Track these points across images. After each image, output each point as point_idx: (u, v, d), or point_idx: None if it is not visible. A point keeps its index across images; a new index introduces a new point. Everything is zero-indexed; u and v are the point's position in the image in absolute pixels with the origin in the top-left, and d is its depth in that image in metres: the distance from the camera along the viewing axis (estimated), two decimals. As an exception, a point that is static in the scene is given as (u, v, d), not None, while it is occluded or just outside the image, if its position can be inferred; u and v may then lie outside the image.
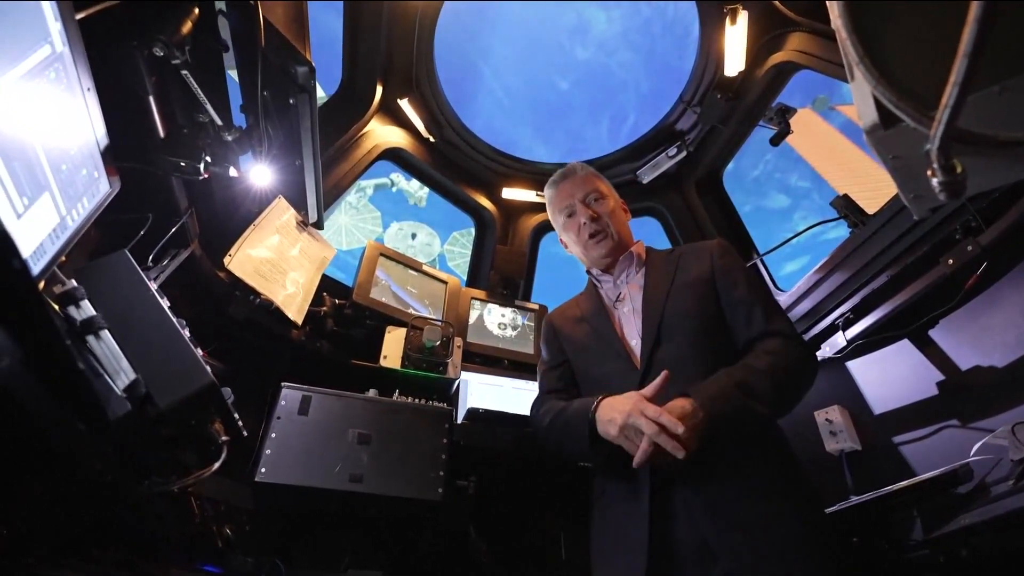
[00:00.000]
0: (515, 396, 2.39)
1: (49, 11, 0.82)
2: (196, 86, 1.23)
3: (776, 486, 1.20)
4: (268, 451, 1.50)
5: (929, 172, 0.65)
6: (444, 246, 23.76)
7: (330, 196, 2.59)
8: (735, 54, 2.51)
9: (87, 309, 0.97)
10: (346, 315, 2.30)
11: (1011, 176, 0.81)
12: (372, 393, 1.87)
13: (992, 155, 0.72)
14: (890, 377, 2.00)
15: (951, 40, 0.56)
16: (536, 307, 2.87)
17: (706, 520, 1.16)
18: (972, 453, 1.47)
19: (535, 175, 3.37)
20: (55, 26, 0.84)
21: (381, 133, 2.85)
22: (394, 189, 27.25)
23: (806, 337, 2.27)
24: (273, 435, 1.53)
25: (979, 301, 1.72)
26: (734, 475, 1.20)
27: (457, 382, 2.23)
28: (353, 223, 23.67)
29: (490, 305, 2.78)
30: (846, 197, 2.20)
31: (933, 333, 1.88)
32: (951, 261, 1.65)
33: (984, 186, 0.82)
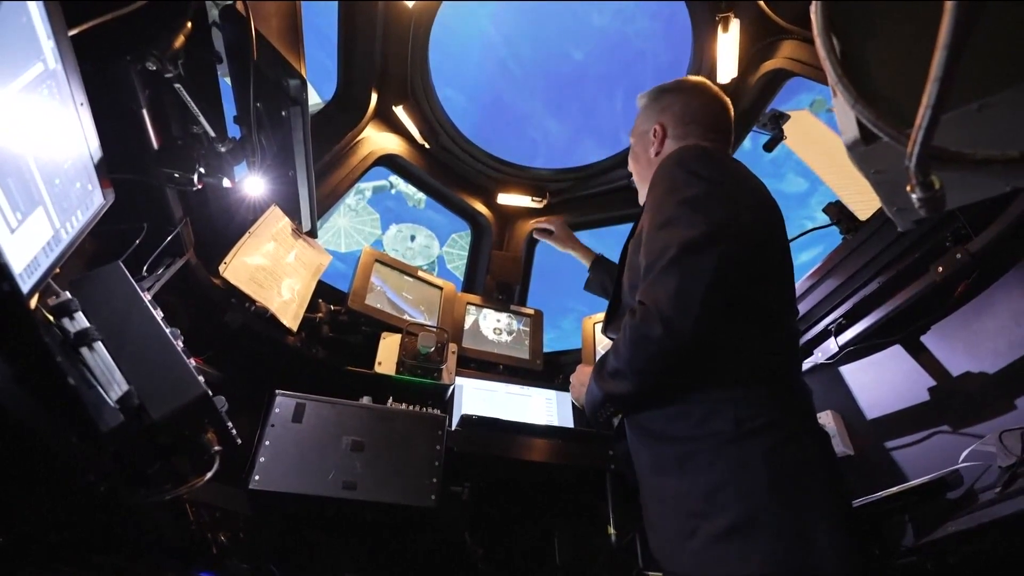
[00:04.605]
0: (509, 401, 2.40)
1: (41, 29, 0.83)
2: (189, 99, 1.24)
3: (664, 496, 1.07)
4: (262, 459, 1.52)
5: (908, 188, 0.67)
6: (443, 248, 23.77)
7: (326, 203, 2.60)
8: (728, 61, 2.53)
9: (81, 321, 0.99)
10: (341, 321, 2.31)
11: (990, 190, 0.82)
12: (366, 400, 1.88)
13: (970, 171, 0.73)
14: (883, 383, 2.01)
15: (931, 57, 0.57)
16: (532, 312, 2.88)
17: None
18: (961, 460, 1.48)
19: (530, 180, 3.38)
20: (48, 44, 0.85)
21: (377, 140, 2.86)
22: (393, 191, 27.28)
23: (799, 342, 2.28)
24: (267, 443, 1.54)
25: (971, 307, 1.74)
26: (649, 475, 1.13)
27: (452, 388, 2.24)
28: (352, 225, 23.66)
29: (485, 310, 2.80)
30: (839, 204, 2.22)
31: (925, 339, 1.89)
32: (941, 269, 1.66)
33: (964, 200, 0.83)
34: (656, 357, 1.01)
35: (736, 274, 1.00)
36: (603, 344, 2.72)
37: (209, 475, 1.11)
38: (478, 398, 2.35)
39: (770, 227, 1.17)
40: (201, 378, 1.07)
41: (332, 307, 2.33)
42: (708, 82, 1.47)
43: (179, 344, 1.09)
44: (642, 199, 1.51)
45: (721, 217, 1.03)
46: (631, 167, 1.56)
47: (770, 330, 1.11)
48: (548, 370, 2.78)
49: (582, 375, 1.32)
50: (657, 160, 1.40)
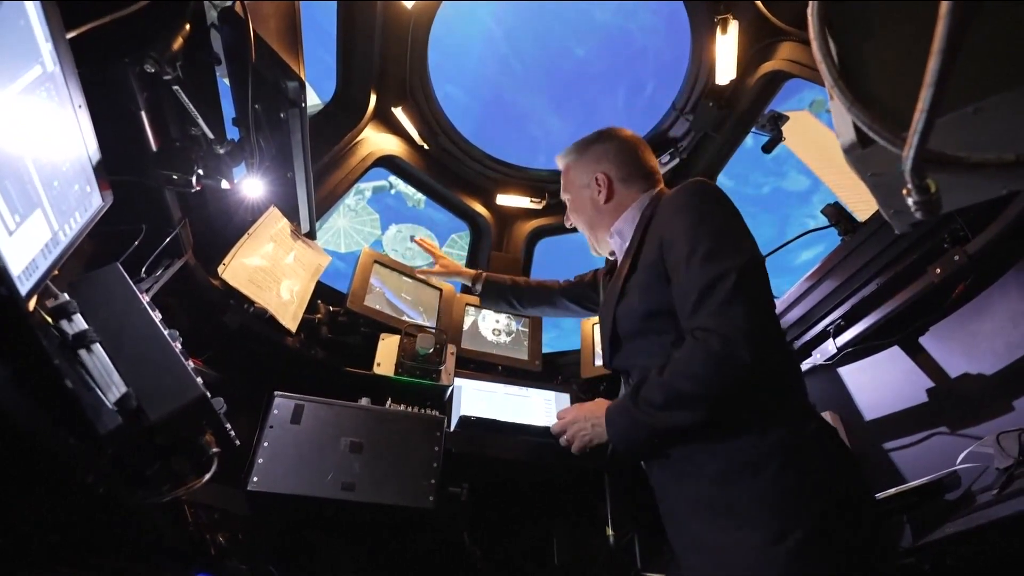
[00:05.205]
0: (508, 402, 2.40)
1: (40, 32, 0.83)
2: (187, 101, 1.24)
3: (734, 509, 1.02)
4: (260, 460, 1.51)
5: (904, 191, 0.67)
6: (443, 248, 23.74)
7: (325, 204, 2.61)
8: (726, 63, 2.53)
9: (79, 323, 0.98)
10: (340, 322, 2.31)
11: (987, 193, 0.82)
12: (364, 401, 1.88)
13: (966, 174, 0.73)
14: (881, 384, 2.02)
15: (927, 60, 0.57)
16: (531, 313, 2.88)
17: (668, 529, 1.19)
18: (959, 461, 1.48)
19: (529, 181, 3.38)
20: (46, 46, 0.85)
21: (376, 141, 2.86)
22: (393, 191, 27.31)
23: (797, 344, 2.28)
24: (265, 444, 1.54)
25: (969, 309, 1.74)
26: (686, 491, 1.11)
27: (450, 389, 2.24)
28: (352, 226, 23.66)
29: (484, 311, 2.80)
30: (837, 205, 2.22)
31: (923, 340, 1.89)
32: (939, 270, 1.66)
33: (961, 202, 0.83)
34: (743, 381, 1.02)
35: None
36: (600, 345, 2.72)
37: (207, 476, 1.11)
38: (477, 399, 2.35)
39: None
40: (199, 379, 1.07)
41: (331, 308, 2.33)
42: (623, 128, 1.58)
43: (177, 345, 1.10)
44: (602, 248, 1.58)
45: (752, 240, 1.15)
46: (574, 220, 1.61)
47: (783, 336, 1.21)
48: (547, 371, 2.78)
49: (588, 413, 1.25)
50: (608, 207, 1.47)
